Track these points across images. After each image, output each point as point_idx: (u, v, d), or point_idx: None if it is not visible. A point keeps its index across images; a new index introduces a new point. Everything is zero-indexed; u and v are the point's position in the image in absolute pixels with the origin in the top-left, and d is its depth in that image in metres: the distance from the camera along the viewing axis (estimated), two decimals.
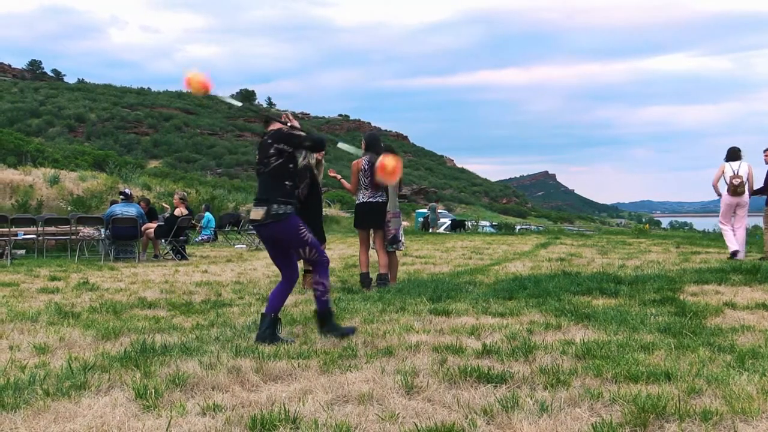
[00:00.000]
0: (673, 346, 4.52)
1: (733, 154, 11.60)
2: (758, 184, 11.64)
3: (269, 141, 5.10)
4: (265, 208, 4.98)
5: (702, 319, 5.53)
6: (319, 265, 5.20)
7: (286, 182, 5.07)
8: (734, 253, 11.13)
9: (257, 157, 5.18)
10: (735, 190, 11.36)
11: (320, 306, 5.20)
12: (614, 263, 10.87)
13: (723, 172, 11.54)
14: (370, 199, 8.34)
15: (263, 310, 5.21)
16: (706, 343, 4.60)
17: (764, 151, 11.67)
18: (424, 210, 39.24)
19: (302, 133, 5.19)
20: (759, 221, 12.57)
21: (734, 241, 11.41)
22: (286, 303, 7.09)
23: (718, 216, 12.05)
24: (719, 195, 11.71)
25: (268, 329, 4.98)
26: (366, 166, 8.25)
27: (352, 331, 5.20)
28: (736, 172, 11.38)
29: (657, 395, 3.34)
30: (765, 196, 11.74)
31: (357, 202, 8.50)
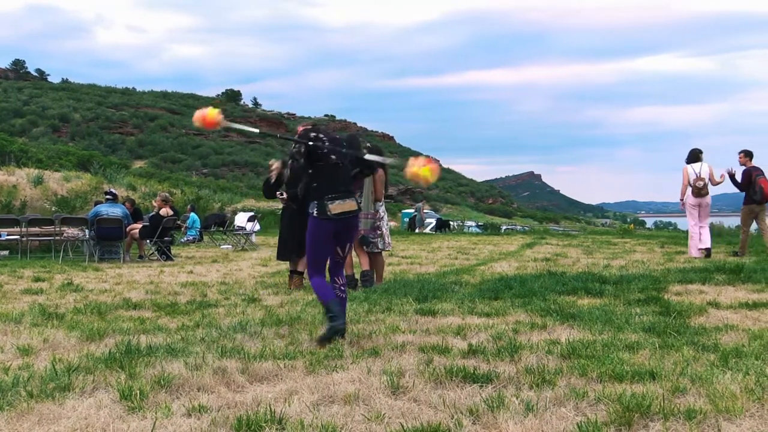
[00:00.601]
0: (657, 346, 4.55)
1: (694, 157, 11.97)
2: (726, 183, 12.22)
3: (345, 143, 5.17)
4: (353, 199, 5.09)
5: (686, 319, 5.57)
6: (342, 266, 5.32)
7: None
8: (708, 251, 11.62)
9: (333, 149, 5.06)
10: (699, 192, 11.74)
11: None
12: (599, 263, 10.93)
13: (687, 174, 11.87)
14: None
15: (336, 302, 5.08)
16: (690, 343, 4.63)
17: (738, 153, 12.23)
18: (411, 210, 39.28)
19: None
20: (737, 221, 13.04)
21: (697, 247, 11.83)
22: (272, 303, 7.11)
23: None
24: (682, 200, 12.07)
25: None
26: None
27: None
28: (698, 175, 11.75)
29: (642, 394, 3.35)
30: (743, 196, 12.09)
31: None
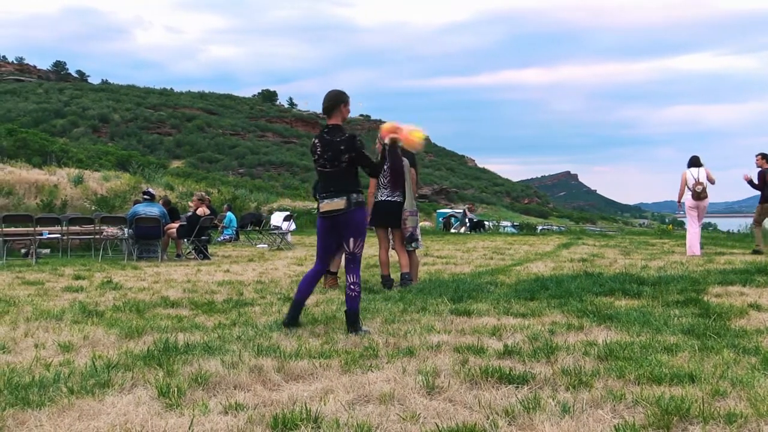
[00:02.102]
0: (696, 348, 4.48)
1: (695, 162, 12.57)
2: (723, 186, 12.90)
3: (342, 147, 5.36)
4: (345, 197, 5.34)
5: (726, 321, 5.47)
6: (355, 264, 5.47)
7: (357, 176, 5.51)
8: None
9: (324, 154, 5.43)
10: (698, 195, 12.41)
11: (354, 306, 5.39)
12: (637, 264, 10.80)
13: (686, 179, 12.47)
14: (388, 198, 8.37)
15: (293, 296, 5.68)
16: (730, 345, 4.55)
17: (756, 156, 12.97)
18: (446, 210, 39.11)
19: (371, 158, 5.59)
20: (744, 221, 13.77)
21: (697, 245, 12.43)
22: (307, 302, 7.12)
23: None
24: (680, 202, 12.76)
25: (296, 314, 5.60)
26: (384, 166, 8.24)
27: (367, 331, 5.34)
28: (697, 179, 12.37)
29: (680, 397, 3.31)
30: (759, 196, 12.91)
31: (375, 200, 8.51)
